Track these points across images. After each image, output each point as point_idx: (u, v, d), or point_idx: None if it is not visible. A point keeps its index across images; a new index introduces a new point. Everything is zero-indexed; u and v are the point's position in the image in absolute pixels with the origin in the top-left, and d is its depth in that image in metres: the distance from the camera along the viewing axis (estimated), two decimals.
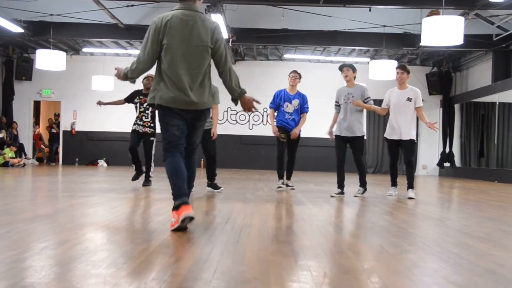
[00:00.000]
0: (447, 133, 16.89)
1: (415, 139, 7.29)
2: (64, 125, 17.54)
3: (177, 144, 3.80)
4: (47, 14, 13.18)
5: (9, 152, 14.70)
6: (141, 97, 7.81)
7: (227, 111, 17.14)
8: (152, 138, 7.80)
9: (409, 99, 7.12)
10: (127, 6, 12.15)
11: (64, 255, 2.81)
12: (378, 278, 2.49)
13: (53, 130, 17.90)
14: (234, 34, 13.71)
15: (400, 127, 7.14)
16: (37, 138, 18.24)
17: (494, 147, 15.93)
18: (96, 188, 7.54)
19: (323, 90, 16.47)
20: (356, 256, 2.99)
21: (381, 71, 13.39)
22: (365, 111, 7.36)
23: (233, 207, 5.36)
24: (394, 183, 7.43)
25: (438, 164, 17.20)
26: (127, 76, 3.90)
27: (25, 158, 15.85)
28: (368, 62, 14.87)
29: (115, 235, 3.49)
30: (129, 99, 7.94)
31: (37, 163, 17.59)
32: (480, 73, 15.73)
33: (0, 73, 16.98)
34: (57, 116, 18.02)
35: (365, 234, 3.97)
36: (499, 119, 15.62)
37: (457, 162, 16.99)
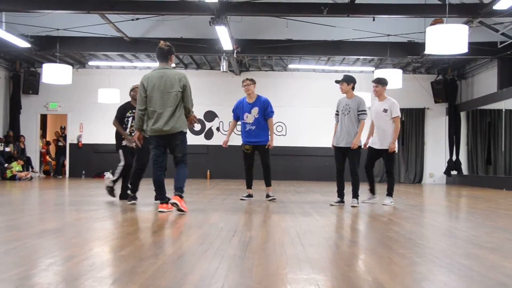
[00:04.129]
0: (453, 141, 16.81)
1: (395, 149, 7.55)
2: (71, 138, 17.61)
3: (157, 161, 5.79)
4: (53, 28, 13.29)
5: (16, 166, 14.76)
6: (133, 111, 7.04)
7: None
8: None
9: (385, 110, 7.43)
10: (132, 19, 12.23)
11: (71, 271, 2.81)
12: None
13: (60, 143, 17.97)
14: (238, 45, 13.75)
15: (379, 137, 7.47)
16: (45, 153, 18.33)
17: (502, 154, 15.84)
18: (102, 201, 7.54)
19: (327, 99, 16.41)
20: (364, 269, 2.96)
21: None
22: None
23: (240, 219, 5.35)
24: (372, 190, 7.70)
25: (445, 172, 17.10)
26: (142, 128, 5.80)
27: (32, 172, 15.90)
28: (372, 71, 14.88)
29: (122, 250, 3.48)
30: (120, 117, 7.41)
31: (44, 176, 17.64)
32: (485, 81, 15.68)
33: (7, 88, 17.09)
34: (63, 129, 18.10)
35: (373, 246, 3.94)
36: (506, 126, 15.55)
37: (464, 170, 16.89)
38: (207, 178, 16.76)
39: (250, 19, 12.59)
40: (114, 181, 7.61)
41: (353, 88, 7.14)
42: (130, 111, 7.36)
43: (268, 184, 7.96)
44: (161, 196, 5.87)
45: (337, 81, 7.23)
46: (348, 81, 7.11)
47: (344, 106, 7.12)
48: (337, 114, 7.25)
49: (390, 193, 7.53)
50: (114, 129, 7.76)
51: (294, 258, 3.24)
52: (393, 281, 2.76)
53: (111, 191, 7.60)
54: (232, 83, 17.03)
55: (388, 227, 5.06)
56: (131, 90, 7.49)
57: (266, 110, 7.77)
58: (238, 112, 7.93)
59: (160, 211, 5.72)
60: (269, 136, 7.84)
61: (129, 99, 7.53)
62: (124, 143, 7.61)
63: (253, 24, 13.22)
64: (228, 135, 8.17)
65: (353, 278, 2.72)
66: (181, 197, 5.68)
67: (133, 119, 7.35)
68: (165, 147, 5.80)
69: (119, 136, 7.61)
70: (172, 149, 5.77)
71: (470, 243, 4.03)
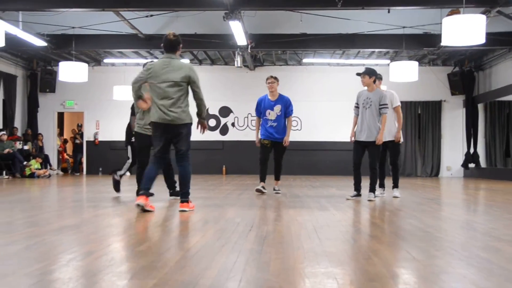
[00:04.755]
0: (471, 133, 16.61)
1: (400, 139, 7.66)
2: (87, 136, 17.78)
3: (158, 156, 5.52)
4: (69, 27, 13.39)
5: (35, 164, 14.95)
6: None
7: (247, 117, 17.17)
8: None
9: None
10: (147, 16, 12.27)
11: (91, 266, 2.84)
12: (406, 285, 2.46)
13: (77, 141, 18.15)
14: (252, 40, 13.73)
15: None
16: (62, 150, 18.54)
17: None
18: (120, 197, 7.60)
19: (343, 93, 16.39)
20: (382, 263, 2.95)
21: (401, 72, 13.28)
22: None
23: (256, 214, 5.36)
24: (382, 184, 7.70)
25: (462, 165, 16.93)
26: (140, 95, 5.63)
27: (50, 169, 16.10)
28: (388, 64, 14.76)
29: (140, 245, 3.51)
30: (134, 113, 7.47)
31: (61, 173, 17.85)
32: (504, 71, 15.45)
33: (25, 86, 17.30)
34: (80, 126, 18.28)
35: (390, 239, 3.92)
36: None
37: (482, 162, 16.70)
38: (223, 174, 16.81)
39: (264, 13, 12.54)
40: (121, 175, 7.73)
41: (374, 82, 7.08)
42: None
43: (277, 178, 8.32)
44: (145, 187, 5.44)
45: (358, 74, 7.19)
46: (370, 74, 7.04)
47: (365, 99, 7.03)
48: (356, 107, 7.17)
49: (397, 185, 7.63)
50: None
51: (311, 252, 3.23)
52: (411, 274, 2.75)
53: (116, 184, 7.70)
54: (247, 78, 17.04)
55: (406, 221, 5.03)
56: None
57: (287, 108, 8.11)
58: (261, 109, 8.15)
59: (137, 204, 5.34)
60: (287, 133, 8.10)
61: None
62: (133, 139, 7.68)
63: (267, 19, 13.17)
64: (256, 134, 8.38)
65: (370, 271, 2.71)
66: (188, 201, 5.54)
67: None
68: (169, 141, 5.55)
69: (129, 133, 7.71)
70: (176, 142, 5.50)
71: (488, 236, 3.99)
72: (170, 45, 5.50)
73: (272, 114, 8.05)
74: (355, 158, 7.12)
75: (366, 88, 7.14)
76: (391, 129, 7.50)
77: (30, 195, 8.64)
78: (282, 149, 8.13)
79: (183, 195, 5.57)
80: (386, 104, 7.01)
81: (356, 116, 7.18)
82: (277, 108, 8.06)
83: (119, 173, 7.75)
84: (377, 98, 6.98)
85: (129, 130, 7.74)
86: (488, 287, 2.39)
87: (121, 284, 2.42)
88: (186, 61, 16.50)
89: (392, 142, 7.54)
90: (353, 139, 7.17)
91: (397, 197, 7.45)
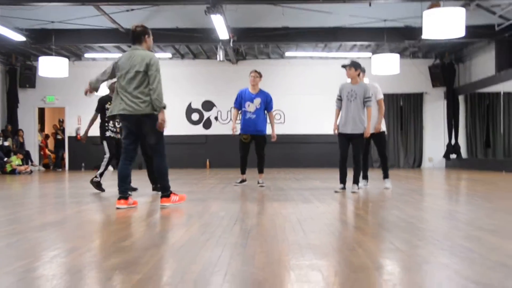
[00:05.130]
0: (452, 124, 16.83)
1: (384, 130, 7.76)
2: (69, 131, 17.58)
3: (127, 150, 5.46)
4: (48, 21, 13.21)
5: (15, 160, 14.76)
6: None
7: (230, 111, 17.14)
8: None
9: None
10: (127, 10, 12.15)
11: (75, 262, 2.82)
12: (390, 275, 2.48)
13: (58, 136, 17.95)
14: (234, 34, 13.68)
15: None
16: (44, 146, 18.32)
17: (500, 137, 15.87)
18: (103, 193, 7.54)
19: (325, 86, 16.45)
20: (366, 254, 2.97)
21: (383, 65, 13.37)
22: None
23: (240, 208, 5.37)
24: (365, 176, 7.84)
25: (444, 156, 17.14)
26: (92, 86, 5.70)
27: (32, 165, 15.90)
28: (370, 57, 14.84)
29: (124, 241, 3.50)
30: (100, 108, 7.67)
31: (43, 169, 17.65)
32: (483, 64, 15.65)
33: (4, 82, 17.04)
34: (61, 122, 18.06)
35: (374, 231, 3.96)
36: (504, 109, 15.56)
37: (463, 153, 16.93)
38: (206, 168, 16.79)
39: (246, 7, 12.50)
40: (101, 174, 7.59)
41: (359, 75, 7.10)
42: (109, 103, 7.39)
43: (260, 171, 8.45)
44: (121, 190, 5.39)
45: (343, 66, 7.17)
46: (356, 66, 7.06)
47: (349, 92, 7.03)
48: (339, 99, 7.15)
49: (387, 175, 7.72)
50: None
51: (296, 244, 3.25)
52: (395, 264, 2.78)
53: (98, 185, 7.55)
54: (229, 72, 16.99)
55: (389, 212, 5.08)
56: (112, 83, 7.49)
57: (268, 104, 8.33)
58: (241, 100, 8.35)
59: (117, 208, 5.30)
60: (272, 128, 8.40)
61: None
62: (107, 134, 7.62)
63: (249, 13, 13.12)
64: (233, 122, 8.53)
65: (355, 262, 2.74)
66: (168, 195, 5.50)
67: None
68: (135, 135, 5.44)
69: (102, 128, 7.65)
70: (143, 136, 5.44)
71: (470, 226, 4.05)
72: (133, 36, 5.49)
73: (251, 106, 8.25)
74: (342, 152, 7.12)
75: (349, 80, 7.15)
76: (374, 121, 7.57)
77: (12, 192, 8.53)
78: (262, 142, 8.31)
79: (162, 190, 5.54)
80: (370, 97, 7.06)
81: (338, 108, 7.17)
82: (257, 101, 8.27)
83: (98, 172, 7.62)
84: (361, 91, 7.00)
85: (103, 125, 7.69)
86: (470, 276, 2.43)
87: (105, 280, 2.41)
88: (167, 55, 16.41)
89: (377, 134, 7.60)
90: (336, 131, 7.19)
91: (388, 188, 7.53)
